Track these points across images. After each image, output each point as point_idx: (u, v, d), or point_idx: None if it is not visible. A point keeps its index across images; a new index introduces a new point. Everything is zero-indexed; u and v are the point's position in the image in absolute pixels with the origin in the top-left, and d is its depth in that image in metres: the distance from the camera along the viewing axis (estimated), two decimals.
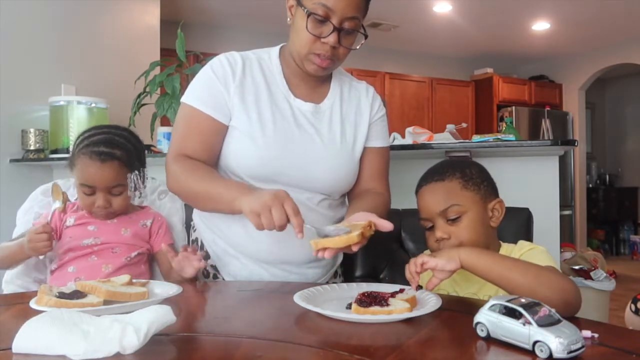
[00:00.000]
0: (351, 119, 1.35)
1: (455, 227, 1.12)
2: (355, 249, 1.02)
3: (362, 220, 1.08)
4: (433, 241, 1.15)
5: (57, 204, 1.38)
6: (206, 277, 1.37)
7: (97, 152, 1.33)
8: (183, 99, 1.28)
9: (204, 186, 1.20)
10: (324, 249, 1.02)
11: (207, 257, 1.37)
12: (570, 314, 0.89)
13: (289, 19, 1.26)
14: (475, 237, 1.11)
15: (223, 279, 1.35)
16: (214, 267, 1.36)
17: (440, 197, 1.13)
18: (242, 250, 1.30)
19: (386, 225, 1.09)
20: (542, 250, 1.11)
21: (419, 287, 1.00)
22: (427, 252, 1.30)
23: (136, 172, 1.39)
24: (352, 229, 1.04)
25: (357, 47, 1.25)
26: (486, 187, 1.17)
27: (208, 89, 1.26)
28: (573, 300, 0.91)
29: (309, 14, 1.17)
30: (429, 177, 1.18)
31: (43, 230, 1.27)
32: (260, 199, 1.04)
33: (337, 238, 1.01)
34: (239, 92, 1.25)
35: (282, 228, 1.04)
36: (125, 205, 1.41)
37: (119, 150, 1.36)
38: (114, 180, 1.35)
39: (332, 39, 1.18)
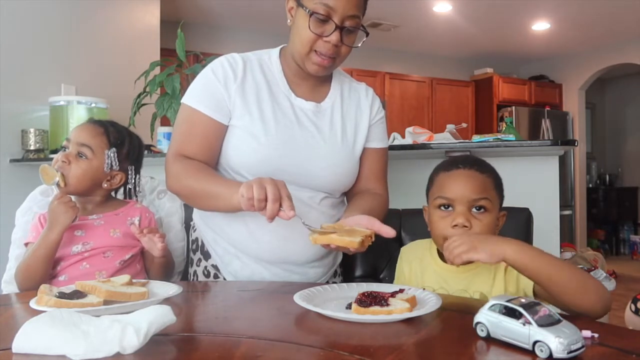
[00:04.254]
0: (352, 118, 1.36)
1: (478, 221, 1.11)
2: (350, 253, 1.03)
3: (365, 226, 1.09)
4: (449, 224, 1.11)
5: (54, 182, 1.30)
6: (207, 277, 1.37)
7: (91, 119, 1.44)
8: (183, 100, 1.30)
9: (203, 185, 1.20)
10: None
11: (207, 256, 1.37)
12: (598, 318, 0.92)
13: (289, 21, 1.27)
14: None
15: (224, 279, 1.35)
16: (215, 267, 1.36)
17: (479, 186, 1.12)
18: (243, 250, 1.30)
19: (389, 232, 1.09)
20: None
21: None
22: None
23: (114, 149, 1.36)
24: (353, 234, 1.04)
25: (359, 45, 1.27)
26: (503, 196, 1.19)
27: (208, 90, 1.27)
28: (609, 307, 0.93)
29: (310, 14, 1.18)
30: (467, 164, 1.16)
31: (59, 196, 1.26)
32: (259, 179, 1.06)
33: (338, 238, 1.02)
34: (240, 92, 1.26)
35: (275, 202, 1.03)
36: (80, 181, 1.32)
37: (109, 124, 1.40)
38: (85, 136, 1.35)
39: (334, 37, 1.19)
